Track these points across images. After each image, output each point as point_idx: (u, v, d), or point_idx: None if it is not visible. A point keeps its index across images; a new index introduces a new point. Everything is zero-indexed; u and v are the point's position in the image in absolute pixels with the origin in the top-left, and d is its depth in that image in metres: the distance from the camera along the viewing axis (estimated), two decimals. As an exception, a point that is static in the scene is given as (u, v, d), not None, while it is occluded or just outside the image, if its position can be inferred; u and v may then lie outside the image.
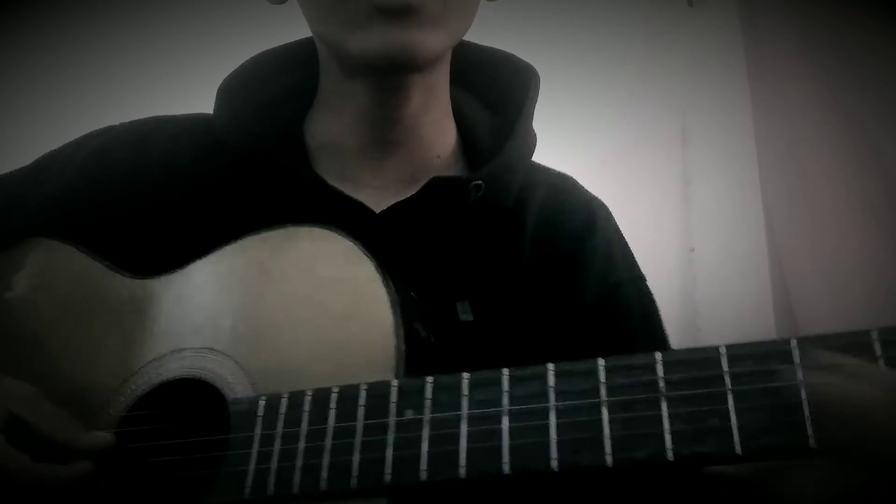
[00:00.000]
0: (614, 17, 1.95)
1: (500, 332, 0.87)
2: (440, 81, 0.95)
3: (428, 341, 0.79)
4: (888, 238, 1.67)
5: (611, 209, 1.05)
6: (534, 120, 1.02)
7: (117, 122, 1.08)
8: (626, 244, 1.02)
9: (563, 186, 1.03)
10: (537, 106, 1.03)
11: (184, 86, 1.74)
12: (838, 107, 1.76)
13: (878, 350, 0.55)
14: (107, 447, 0.78)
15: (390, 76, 0.88)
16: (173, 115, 1.04)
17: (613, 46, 1.96)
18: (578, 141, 1.88)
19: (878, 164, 1.71)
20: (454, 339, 0.83)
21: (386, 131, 0.93)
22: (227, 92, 0.98)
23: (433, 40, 0.85)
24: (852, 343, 0.56)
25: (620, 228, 1.04)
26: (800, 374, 0.56)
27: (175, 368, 0.81)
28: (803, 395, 0.56)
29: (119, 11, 1.91)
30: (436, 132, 0.96)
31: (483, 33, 1.07)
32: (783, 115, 1.82)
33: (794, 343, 0.57)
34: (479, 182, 0.90)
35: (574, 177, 1.08)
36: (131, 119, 1.06)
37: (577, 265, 0.95)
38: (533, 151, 1.00)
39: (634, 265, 1.01)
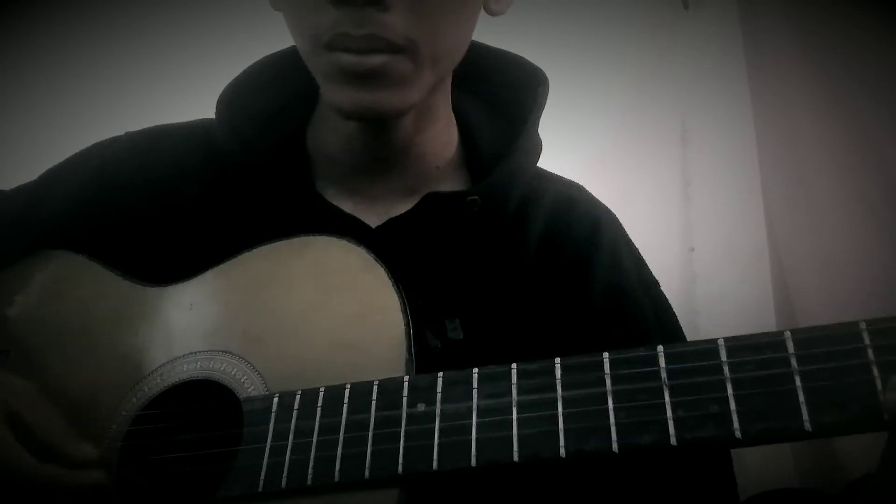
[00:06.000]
0: (614, 16, 1.96)
1: (492, 351, 0.86)
2: (437, 101, 0.94)
3: (436, 349, 0.80)
4: (889, 238, 1.67)
5: (611, 209, 1.05)
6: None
7: (122, 121, 1.09)
8: (635, 250, 1.02)
9: (569, 195, 1.02)
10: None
11: (191, 86, 1.75)
12: (838, 107, 1.76)
13: (866, 339, 0.56)
14: (96, 462, 0.79)
15: None
16: (177, 123, 1.05)
17: (613, 46, 1.96)
18: (578, 141, 1.88)
19: (878, 164, 1.71)
20: (443, 357, 0.83)
21: (378, 152, 0.93)
22: (227, 103, 0.99)
23: (403, 100, 0.84)
24: (843, 334, 0.58)
25: (628, 235, 1.04)
26: (794, 363, 0.58)
27: (188, 370, 0.83)
28: (797, 382, 0.57)
29: (125, 9, 1.92)
30: (435, 146, 0.96)
31: (483, 34, 1.08)
32: (783, 115, 1.82)
33: (787, 334, 0.59)
34: (475, 198, 0.90)
35: (579, 181, 1.08)
36: (136, 120, 1.08)
37: (583, 273, 0.95)
38: (537, 160, 1.00)
39: (645, 271, 1.01)
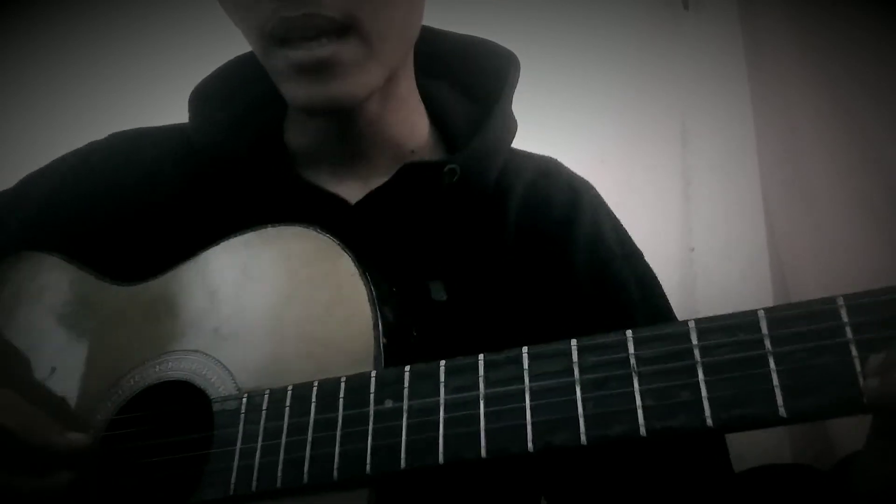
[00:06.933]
0: (614, 16, 1.95)
1: (477, 313, 0.86)
2: (400, 84, 0.94)
3: (411, 336, 0.80)
4: (889, 238, 1.66)
5: (611, 208, 1.05)
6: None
7: (121, 121, 1.09)
8: (616, 222, 1.02)
9: (547, 169, 1.03)
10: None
11: (191, 86, 1.75)
12: (838, 107, 1.75)
13: (844, 316, 0.55)
14: (84, 448, 0.78)
15: None
16: (154, 126, 1.05)
17: (614, 46, 1.95)
18: (578, 140, 1.87)
19: (878, 164, 1.70)
20: (428, 319, 0.83)
21: (349, 142, 0.94)
22: (200, 102, 0.99)
23: (359, 87, 0.84)
24: (819, 311, 0.56)
25: (609, 206, 1.04)
26: (768, 344, 0.57)
27: (161, 372, 0.82)
28: (772, 364, 0.56)
29: (124, 9, 1.92)
30: (405, 130, 0.97)
31: (483, 34, 1.07)
32: (783, 115, 1.81)
33: (761, 313, 0.57)
34: (454, 166, 0.90)
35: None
36: (135, 120, 1.08)
37: (564, 246, 0.95)
38: (513, 136, 1.00)
39: (627, 241, 1.00)
